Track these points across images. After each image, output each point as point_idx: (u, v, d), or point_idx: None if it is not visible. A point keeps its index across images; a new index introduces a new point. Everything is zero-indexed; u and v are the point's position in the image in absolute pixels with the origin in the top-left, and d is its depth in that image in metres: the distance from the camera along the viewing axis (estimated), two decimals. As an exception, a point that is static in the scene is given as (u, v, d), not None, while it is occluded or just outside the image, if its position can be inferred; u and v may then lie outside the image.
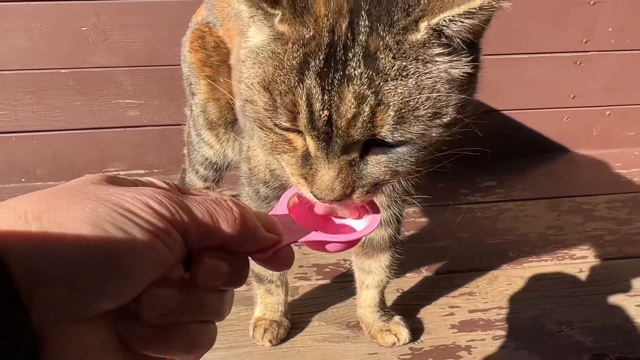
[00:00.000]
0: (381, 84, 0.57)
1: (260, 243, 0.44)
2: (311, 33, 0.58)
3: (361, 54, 0.57)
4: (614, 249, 1.52)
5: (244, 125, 1.13)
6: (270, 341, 1.18)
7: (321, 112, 0.57)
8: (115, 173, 1.79)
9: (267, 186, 0.98)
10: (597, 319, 1.27)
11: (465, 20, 0.57)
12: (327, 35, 0.58)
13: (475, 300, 1.33)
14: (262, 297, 1.21)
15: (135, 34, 1.68)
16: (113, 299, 0.36)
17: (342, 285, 1.34)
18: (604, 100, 2.00)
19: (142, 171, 1.83)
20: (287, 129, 0.62)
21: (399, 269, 1.21)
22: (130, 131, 1.79)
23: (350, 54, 0.57)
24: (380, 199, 0.95)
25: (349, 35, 0.58)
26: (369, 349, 1.19)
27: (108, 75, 1.71)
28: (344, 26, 0.58)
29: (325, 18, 0.58)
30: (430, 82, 0.58)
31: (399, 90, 0.57)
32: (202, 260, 0.41)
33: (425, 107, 0.58)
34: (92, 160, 1.81)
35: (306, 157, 0.62)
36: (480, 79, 0.66)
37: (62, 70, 1.68)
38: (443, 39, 0.59)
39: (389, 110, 0.57)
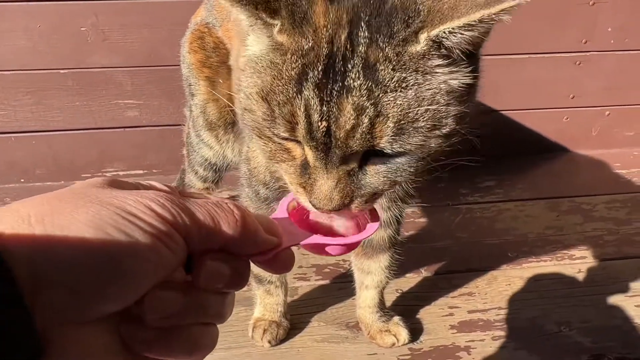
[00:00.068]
0: (380, 95, 0.56)
1: (261, 245, 0.44)
2: (310, 44, 0.58)
3: (360, 65, 0.57)
4: (613, 249, 1.52)
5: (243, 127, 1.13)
6: (269, 342, 1.18)
7: (320, 123, 0.57)
8: (115, 173, 1.80)
9: (267, 187, 0.98)
10: (596, 320, 1.27)
11: (465, 33, 0.57)
12: (326, 46, 0.58)
13: (474, 300, 1.33)
14: (261, 298, 1.21)
15: (134, 34, 1.68)
16: (116, 302, 0.36)
17: (341, 286, 1.34)
18: (604, 100, 2.01)
19: (141, 171, 1.83)
20: (285, 139, 0.61)
21: (398, 269, 1.21)
22: (130, 131, 1.79)
23: (349, 65, 0.57)
24: (380, 201, 0.95)
25: (348, 46, 0.57)
26: (369, 349, 1.19)
27: (107, 75, 1.71)
28: (343, 37, 0.58)
29: (325, 29, 0.58)
30: (429, 93, 0.58)
31: (398, 102, 0.57)
32: (203, 262, 0.41)
33: (424, 119, 0.58)
34: (92, 161, 1.80)
35: (305, 166, 0.62)
36: (481, 84, 0.66)
37: (62, 71, 1.68)
38: (443, 50, 0.59)
39: (388, 121, 0.57)
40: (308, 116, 0.57)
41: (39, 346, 0.32)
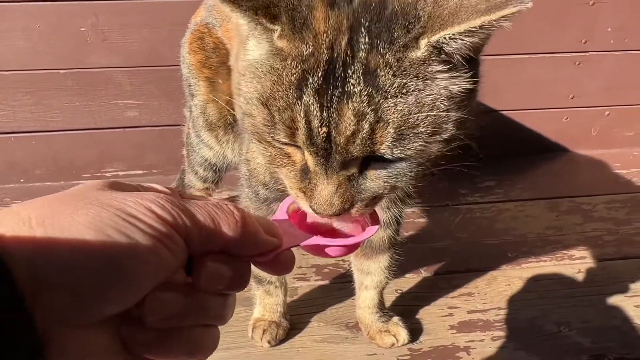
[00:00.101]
0: (381, 101, 0.56)
1: (261, 246, 0.44)
2: (310, 49, 0.58)
3: (361, 71, 0.57)
4: (613, 250, 1.52)
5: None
6: (269, 342, 1.18)
7: (320, 129, 0.57)
8: (114, 173, 1.80)
9: (267, 188, 0.98)
10: (596, 320, 1.28)
11: (466, 39, 0.57)
12: (326, 52, 0.58)
13: (474, 300, 1.33)
14: (261, 298, 1.21)
15: (134, 34, 1.68)
16: (116, 304, 0.36)
17: (341, 286, 1.34)
18: (603, 100, 2.01)
19: (141, 171, 1.83)
20: (285, 143, 0.61)
21: (398, 269, 1.21)
22: (129, 131, 1.79)
23: (349, 71, 0.57)
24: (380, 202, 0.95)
25: (349, 52, 0.57)
26: (368, 349, 1.19)
27: (107, 75, 1.71)
28: (343, 43, 0.58)
29: (325, 35, 0.58)
30: (430, 99, 0.58)
31: (398, 108, 0.57)
32: (204, 263, 0.41)
33: (425, 124, 0.58)
34: (91, 161, 1.80)
35: (305, 171, 0.62)
36: (481, 84, 0.66)
37: (61, 71, 1.68)
38: (443, 55, 0.59)
39: (389, 127, 0.57)
40: (308, 122, 0.57)
41: (39, 348, 0.32)
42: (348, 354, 1.18)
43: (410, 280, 1.39)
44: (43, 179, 1.79)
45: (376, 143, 0.57)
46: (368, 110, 0.56)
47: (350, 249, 0.55)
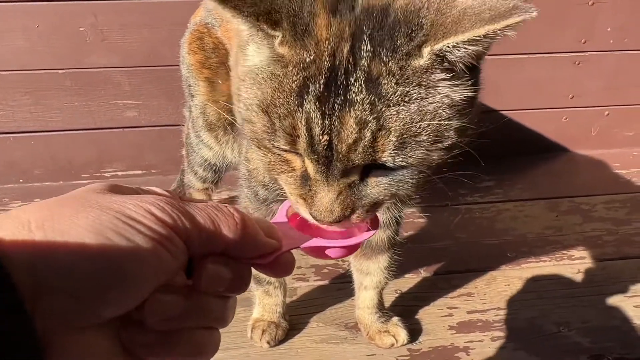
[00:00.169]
0: (383, 109, 0.56)
1: (261, 248, 0.44)
2: (312, 57, 0.58)
3: (363, 79, 0.56)
4: (613, 250, 1.52)
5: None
6: (268, 342, 1.18)
7: (321, 137, 0.57)
8: (114, 173, 1.80)
9: (266, 189, 0.98)
10: (596, 320, 1.28)
11: (469, 47, 0.57)
12: (328, 59, 0.57)
13: (473, 301, 1.33)
14: (260, 299, 1.21)
15: (133, 34, 1.67)
16: (116, 307, 0.36)
17: (340, 286, 1.34)
18: (603, 100, 2.01)
19: (140, 172, 1.83)
20: (285, 150, 0.61)
21: (397, 270, 1.21)
22: (129, 131, 1.79)
23: (351, 79, 0.56)
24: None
25: (351, 59, 0.57)
26: (367, 350, 1.19)
27: (106, 75, 1.71)
28: (345, 50, 0.57)
29: (327, 42, 0.58)
30: (432, 107, 0.58)
31: (401, 116, 0.57)
32: (204, 266, 0.41)
33: (427, 133, 0.58)
34: (90, 161, 1.80)
35: (305, 178, 0.61)
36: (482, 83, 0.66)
37: (60, 71, 1.68)
38: (446, 64, 0.58)
39: (391, 135, 0.56)
40: (309, 129, 0.57)
41: (39, 352, 0.32)
42: (347, 355, 1.18)
43: (409, 281, 1.39)
44: (42, 179, 1.79)
45: (378, 151, 0.57)
46: (370, 119, 0.56)
47: (350, 249, 0.55)
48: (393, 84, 0.57)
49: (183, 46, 1.33)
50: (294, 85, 0.58)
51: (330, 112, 0.56)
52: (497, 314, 1.29)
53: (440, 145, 0.59)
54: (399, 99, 0.57)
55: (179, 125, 1.56)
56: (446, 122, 0.59)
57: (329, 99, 0.56)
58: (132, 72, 1.72)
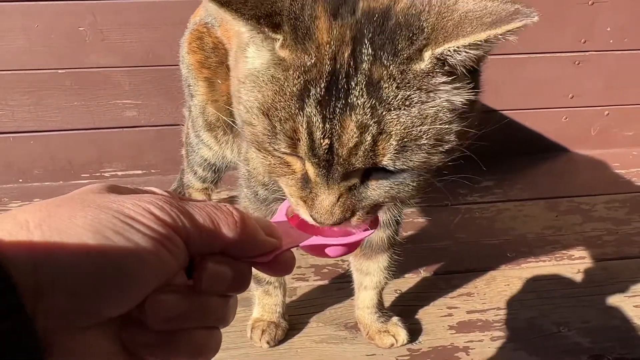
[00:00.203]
0: (384, 113, 0.56)
1: (260, 247, 0.44)
2: (313, 60, 0.58)
3: (364, 83, 0.56)
4: (613, 250, 1.52)
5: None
6: (268, 342, 1.17)
7: (322, 141, 0.56)
8: (113, 173, 1.79)
9: (266, 188, 0.98)
10: (595, 320, 1.27)
11: (471, 51, 0.57)
12: (329, 63, 0.57)
13: (473, 301, 1.33)
14: (259, 298, 1.21)
15: (132, 34, 1.67)
16: (116, 306, 0.36)
17: (340, 286, 1.34)
18: (603, 100, 2.01)
19: (139, 171, 1.83)
20: (286, 153, 0.61)
21: (397, 270, 1.21)
22: (128, 131, 1.78)
23: (352, 83, 0.56)
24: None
25: (352, 63, 0.57)
26: (367, 350, 1.19)
27: (105, 75, 1.71)
28: (346, 54, 0.57)
29: (328, 45, 0.58)
30: (433, 111, 0.58)
31: (401, 120, 0.56)
32: (204, 265, 0.41)
33: (427, 136, 0.58)
34: (90, 161, 1.80)
35: (305, 180, 0.61)
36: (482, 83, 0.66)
37: (60, 71, 1.68)
38: (446, 67, 0.58)
39: (391, 139, 0.56)
40: (310, 133, 0.57)
41: (40, 352, 0.32)
42: (347, 355, 1.18)
43: (409, 281, 1.39)
44: (41, 179, 1.79)
45: (378, 155, 0.57)
46: (371, 122, 0.56)
47: (350, 248, 0.55)
48: (394, 88, 0.57)
49: (183, 46, 1.33)
50: (294, 89, 0.58)
51: (331, 116, 0.56)
52: (497, 314, 1.29)
53: (440, 149, 0.59)
54: (400, 102, 0.57)
55: (178, 125, 1.56)
56: (447, 126, 0.59)
57: (329, 103, 0.56)
58: (131, 72, 1.72)
